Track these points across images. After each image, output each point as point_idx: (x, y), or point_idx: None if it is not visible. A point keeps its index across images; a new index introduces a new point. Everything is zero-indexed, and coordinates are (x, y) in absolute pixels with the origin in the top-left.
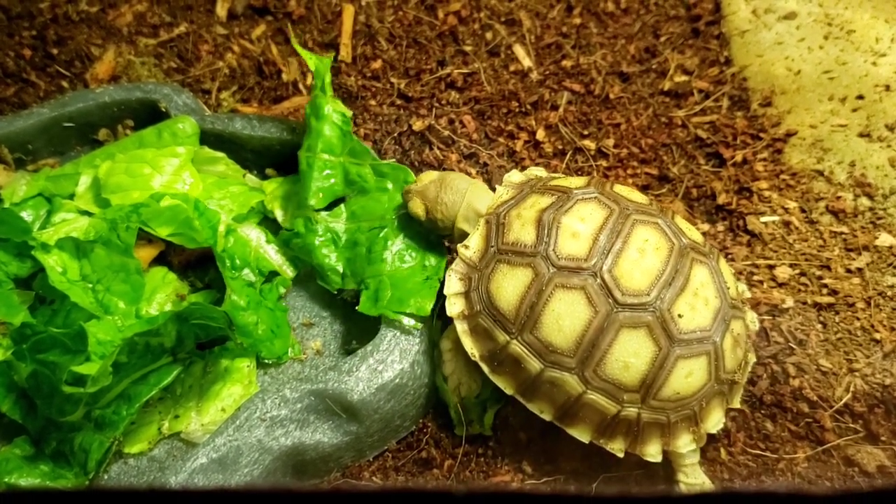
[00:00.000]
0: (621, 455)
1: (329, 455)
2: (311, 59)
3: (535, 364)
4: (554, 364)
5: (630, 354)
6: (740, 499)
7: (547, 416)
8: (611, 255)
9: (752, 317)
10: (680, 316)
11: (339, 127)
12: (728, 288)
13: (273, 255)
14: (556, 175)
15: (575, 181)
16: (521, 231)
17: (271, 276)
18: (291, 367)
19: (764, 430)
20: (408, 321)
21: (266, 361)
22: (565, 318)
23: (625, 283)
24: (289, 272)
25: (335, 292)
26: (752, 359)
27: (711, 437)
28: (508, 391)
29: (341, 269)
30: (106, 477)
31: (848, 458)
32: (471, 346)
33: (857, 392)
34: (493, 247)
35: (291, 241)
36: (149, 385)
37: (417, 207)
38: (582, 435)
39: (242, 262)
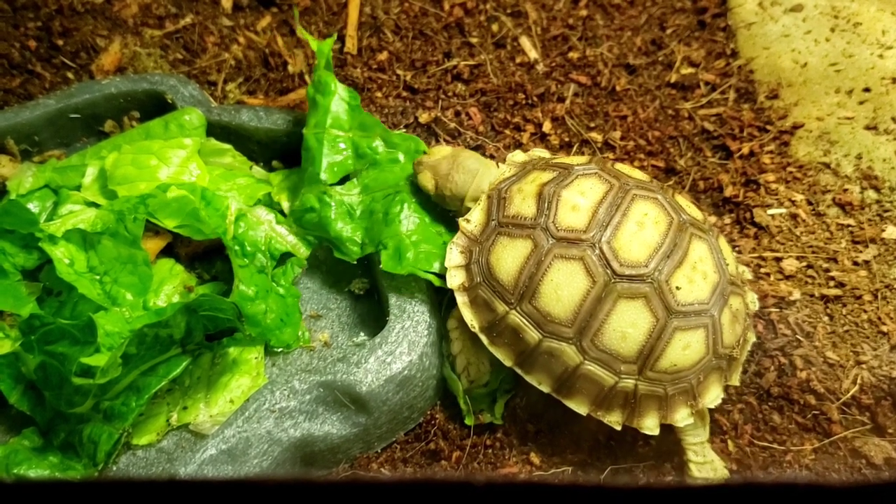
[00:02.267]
0: (618, 428)
1: (338, 446)
2: (313, 42)
3: (533, 334)
4: (552, 334)
5: (627, 325)
6: (760, 489)
7: (545, 388)
8: (610, 227)
9: (752, 297)
10: (678, 288)
11: (346, 102)
12: (727, 265)
13: (286, 235)
14: (559, 156)
15: (576, 159)
16: (522, 204)
17: (284, 258)
18: (300, 358)
19: (771, 422)
20: (437, 279)
21: (276, 350)
22: (563, 287)
23: (623, 255)
24: (302, 251)
25: (354, 262)
26: (752, 338)
27: (719, 429)
28: (507, 363)
29: (359, 239)
30: (115, 468)
31: (855, 451)
32: (471, 318)
33: (865, 384)
34: (493, 220)
35: (304, 217)
36: (158, 376)
37: (427, 181)
38: (579, 407)
39: (253, 248)
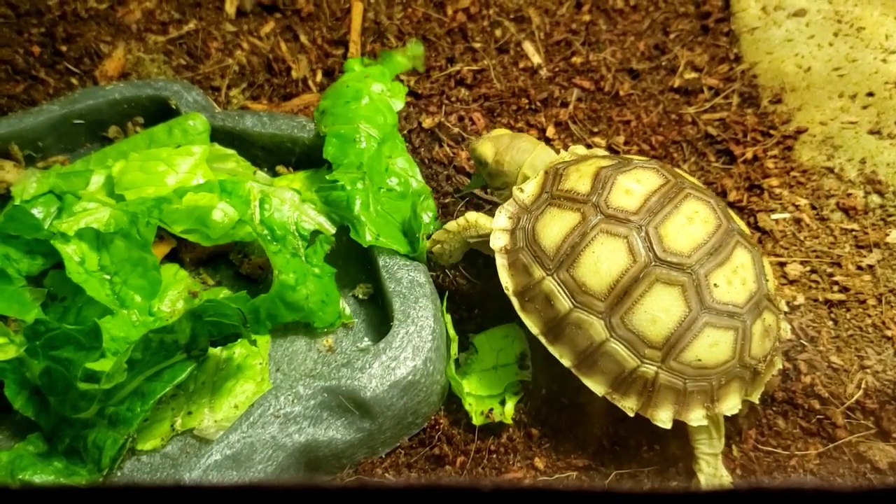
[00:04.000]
0: (631, 414)
1: (342, 452)
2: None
3: (564, 303)
4: (583, 305)
5: (660, 309)
6: (766, 494)
7: (566, 362)
8: (659, 215)
9: (785, 326)
10: (716, 286)
11: (397, 137)
12: (767, 281)
13: (311, 212)
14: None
15: (637, 157)
16: (578, 182)
17: (313, 237)
18: (304, 363)
19: (775, 426)
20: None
21: (319, 332)
22: (603, 261)
23: (667, 242)
24: (329, 228)
25: (366, 246)
26: (779, 364)
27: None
28: (534, 330)
29: (375, 230)
30: (119, 474)
31: (859, 455)
32: (506, 281)
33: (869, 389)
34: (546, 192)
35: (332, 193)
36: (163, 382)
37: (487, 150)
38: (597, 386)
39: (283, 230)
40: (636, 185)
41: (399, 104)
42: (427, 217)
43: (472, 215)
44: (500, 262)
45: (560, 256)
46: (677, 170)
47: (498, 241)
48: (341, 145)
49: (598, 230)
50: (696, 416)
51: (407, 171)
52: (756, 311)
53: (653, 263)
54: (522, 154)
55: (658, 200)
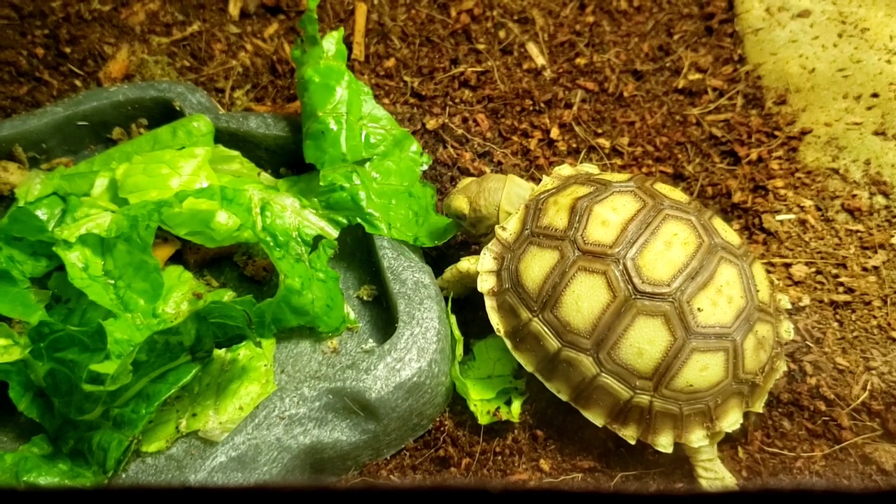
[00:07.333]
0: (633, 442)
1: (347, 454)
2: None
3: (553, 343)
4: (570, 344)
5: (644, 341)
6: (774, 495)
7: (564, 397)
8: (637, 245)
9: (787, 326)
10: (699, 310)
11: (358, 93)
12: (758, 291)
13: (313, 218)
14: (604, 172)
15: (618, 176)
16: (555, 216)
17: (316, 242)
18: (309, 365)
19: (781, 428)
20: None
21: (324, 336)
22: (584, 299)
23: (646, 272)
24: (332, 232)
25: (386, 237)
26: (782, 367)
27: (728, 436)
28: (529, 368)
29: (387, 219)
30: (124, 476)
31: (865, 457)
32: (497, 322)
33: (874, 390)
34: (527, 230)
35: (332, 196)
36: (168, 383)
37: (461, 203)
38: (596, 418)
39: (285, 237)
40: (612, 214)
41: (334, 49)
42: (424, 165)
43: (463, 265)
44: (489, 304)
45: (543, 297)
46: (659, 185)
47: (485, 284)
48: (316, 143)
49: (576, 268)
50: (696, 437)
51: (381, 121)
52: (746, 326)
53: (633, 296)
54: (495, 193)
55: (636, 228)
